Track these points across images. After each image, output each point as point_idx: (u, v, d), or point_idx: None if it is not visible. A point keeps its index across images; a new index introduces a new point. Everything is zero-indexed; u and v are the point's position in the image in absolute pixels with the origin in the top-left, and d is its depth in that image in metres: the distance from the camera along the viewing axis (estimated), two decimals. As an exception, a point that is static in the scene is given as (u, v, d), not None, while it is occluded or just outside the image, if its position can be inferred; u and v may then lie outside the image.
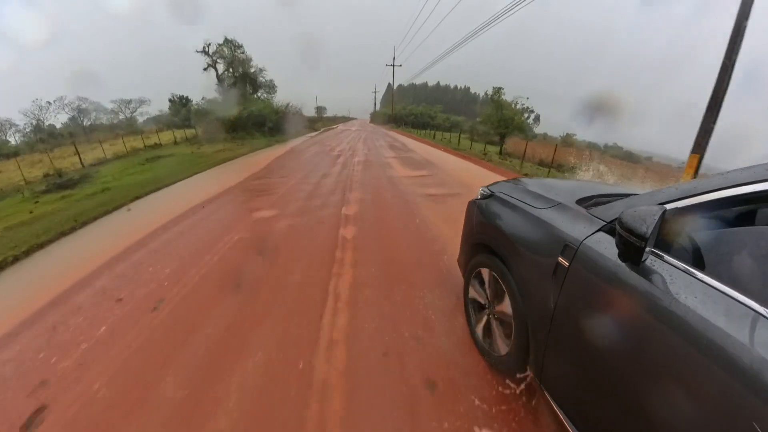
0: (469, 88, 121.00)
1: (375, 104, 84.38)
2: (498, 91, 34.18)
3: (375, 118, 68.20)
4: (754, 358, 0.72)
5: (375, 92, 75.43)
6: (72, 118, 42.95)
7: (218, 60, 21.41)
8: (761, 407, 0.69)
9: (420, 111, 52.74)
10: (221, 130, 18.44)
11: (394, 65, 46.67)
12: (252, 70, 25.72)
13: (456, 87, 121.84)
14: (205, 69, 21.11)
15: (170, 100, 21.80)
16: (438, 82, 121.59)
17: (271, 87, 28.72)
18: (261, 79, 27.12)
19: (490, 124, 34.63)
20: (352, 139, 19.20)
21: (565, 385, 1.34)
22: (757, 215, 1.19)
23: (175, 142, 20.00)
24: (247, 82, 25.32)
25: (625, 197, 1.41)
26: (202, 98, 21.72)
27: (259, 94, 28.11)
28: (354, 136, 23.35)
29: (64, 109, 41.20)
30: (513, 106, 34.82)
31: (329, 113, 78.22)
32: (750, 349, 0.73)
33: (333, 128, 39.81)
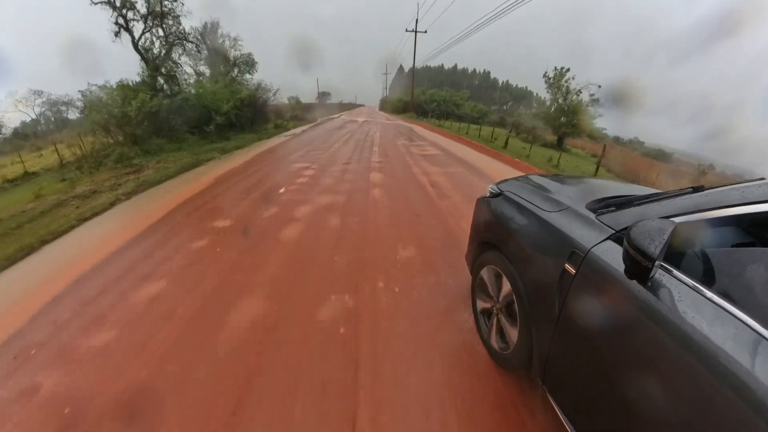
0: (489, 72, 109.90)
1: (385, 89, 74.13)
2: (562, 73, 23.51)
3: (386, 105, 57.82)
4: (759, 385, 0.76)
5: (386, 74, 65.38)
6: (55, 112, 36.77)
7: (132, 16, 11.53)
8: None
9: (443, 97, 41.09)
10: (130, 138, 8.56)
11: (416, 31, 35.42)
12: (221, 40, 20.36)
13: (475, 71, 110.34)
14: (116, 34, 11.32)
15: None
16: (455, 64, 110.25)
17: (249, 64, 22.40)
18: (236, 52, 21.66)
19: (547, 118, 26.14)
20: (358, 144, 12.79)
21: (566, 389, 1.43)
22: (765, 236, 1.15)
23: (62, 164, 10.32)
24: (218, 57, 20.41)
25: (637, 202, 1.47)
26: (93, 85, 12.00)
27: (235, 74, 21.95)
28: (360, 135, 16.56)
29: (16, 105, 32.79)
30: (576, 95, 24.59)
31: (333, 99, 68.70)
32: (755, 376, 0.78)
33: (333, 119, 33.08)
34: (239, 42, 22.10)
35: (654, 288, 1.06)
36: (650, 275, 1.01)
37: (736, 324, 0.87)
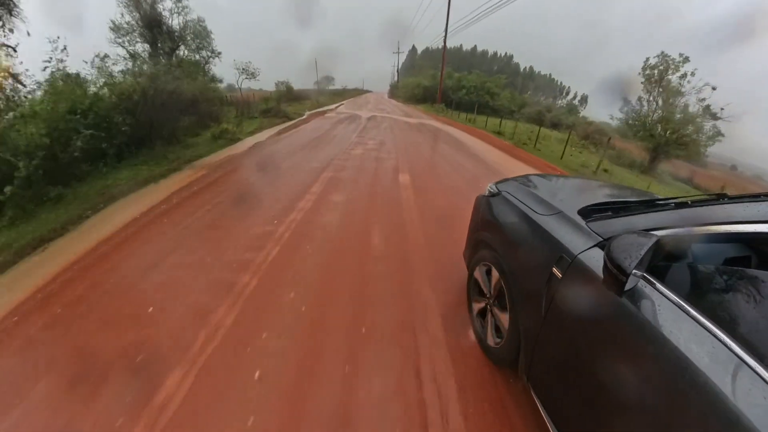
0: (512, 56, 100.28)
1: (396, 72, 66.12)
2: (672, 63, 12.69)
3: (397, 91, 49.21)
4: (728, 406, 0.85)
5: (398, 52, 57.19)
6: None
7: None
8: None
9: (474, 83, 31.81)
10: None
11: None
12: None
13: (497, 54, 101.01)
14: None
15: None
16: (475, 45, 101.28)
17: (200, 36, 16.46)
18: (182, 18, 15.62)
19: (642, 128, 18.79)
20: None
21: (548, 387, 1.61)
22: (757, 255, 1.26)
23: None
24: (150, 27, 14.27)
25: (626, 213, 1.61)
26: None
27: (182, 53, 16.11)
28: (357, 183, 6.30)
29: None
30: (677, 98, 17.78)
31: (337, 85, 60.79)
32: (725, 396, 0.87)
33: (326, 113, 23.85)
34: (183, 3, 14.42)
35: (636, 299, 1.18)
36: (624, 288, 1.13)
37: (713, 343, 0.97)
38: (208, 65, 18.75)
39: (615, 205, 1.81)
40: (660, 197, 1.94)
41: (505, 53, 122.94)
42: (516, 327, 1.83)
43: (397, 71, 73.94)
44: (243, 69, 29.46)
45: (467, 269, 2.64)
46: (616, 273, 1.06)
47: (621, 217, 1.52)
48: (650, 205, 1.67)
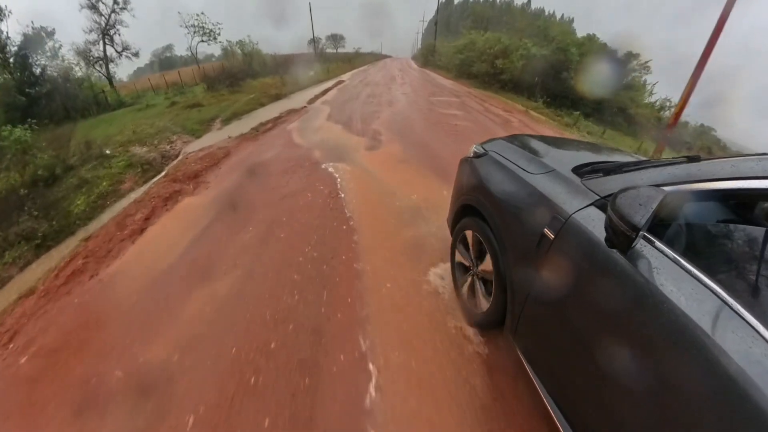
0: (572, 20, 79.34)
1: (422, 31, 49.01)
2: None
3: (436, 58, 31.79)
4: (730, 365, 0.84)
5: None
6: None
7: None
8: (723, 413, 0.84)
9: None
10: None
11: None
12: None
13: (553, 14, 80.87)
14: None
15: None
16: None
17: None
18: None
19: None
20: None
21: (536, 348, 1.64)
22: (759, 212, 1.27)
23: None
24: None
25: (626, 169, 1.57)
26: None
27: None
28: None
29: None
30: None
31: (348, 46, 45.67)
32: (727, 354, 0.86)
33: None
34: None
35: (633, 258, 1.16)
36: (632, 245, 1.10)
37: (714, 301, 0.96)
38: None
39: (611, 165, 1.76)
40: (658, 160, 1.86)
41: (562, 15, 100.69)
42: (503, 291, 1.85)
43: (435, 24, 45.29)
44: (195, 27, 21.33)
45: (451, 235, 2.64)
46: (624, 229, 1.01)
47: (620, 173, 1.48)
48: (650, 164, 1.65)
